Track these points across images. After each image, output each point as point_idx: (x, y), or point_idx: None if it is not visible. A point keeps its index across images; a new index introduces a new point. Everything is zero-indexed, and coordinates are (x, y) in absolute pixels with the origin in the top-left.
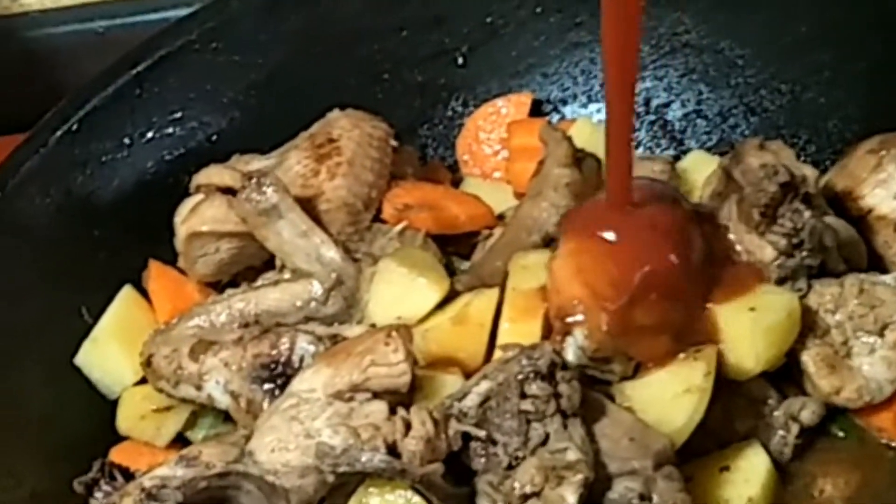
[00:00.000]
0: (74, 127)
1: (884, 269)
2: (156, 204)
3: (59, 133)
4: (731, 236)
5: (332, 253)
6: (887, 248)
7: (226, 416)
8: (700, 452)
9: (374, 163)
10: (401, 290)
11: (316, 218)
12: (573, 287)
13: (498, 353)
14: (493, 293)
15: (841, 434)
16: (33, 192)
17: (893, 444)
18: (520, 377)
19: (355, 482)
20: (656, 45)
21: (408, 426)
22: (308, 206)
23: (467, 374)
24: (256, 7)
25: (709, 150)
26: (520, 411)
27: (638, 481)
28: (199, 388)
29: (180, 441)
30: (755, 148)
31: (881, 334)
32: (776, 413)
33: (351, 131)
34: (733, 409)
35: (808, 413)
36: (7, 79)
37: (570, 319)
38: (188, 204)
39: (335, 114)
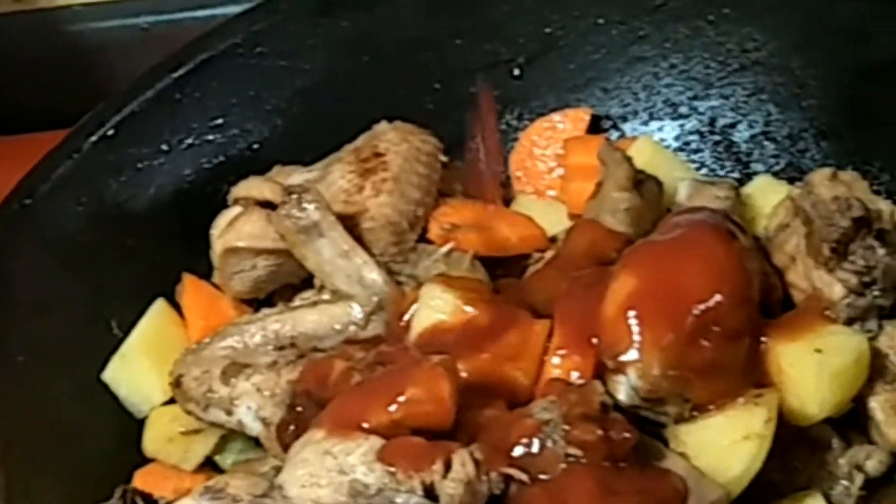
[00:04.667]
0: (111, 132)
1: None
2: (193, 214)
3: (94, 138)
4: (797, 271)
5: (374, 275)
6: None
7: (256, 442)
8: (757, 503)
9: (422, 179)
10: (447, 318)
11: (358, 237)
12: (626, 323)
13: (544, 390)
14: (545, 324)
15: None
16: (65, 199)
17: None
18: (567, 418)
19: None
20: (723, 61)
21: (447, 466)
22: (350, 223)
23: (511, 409)
24: (306, 11)
25: (776, 174)
26: (567, 455)
27: None
28: (229, 412)
29: (208, 464)
30: (827, 178)
31: None
32: (840, 461)
33: (398, 145)
34: (794, 457)
35: (875, 462)
36: (49, 74)
37: (622, 357)
38: (226, 217)
39: (382, 126)
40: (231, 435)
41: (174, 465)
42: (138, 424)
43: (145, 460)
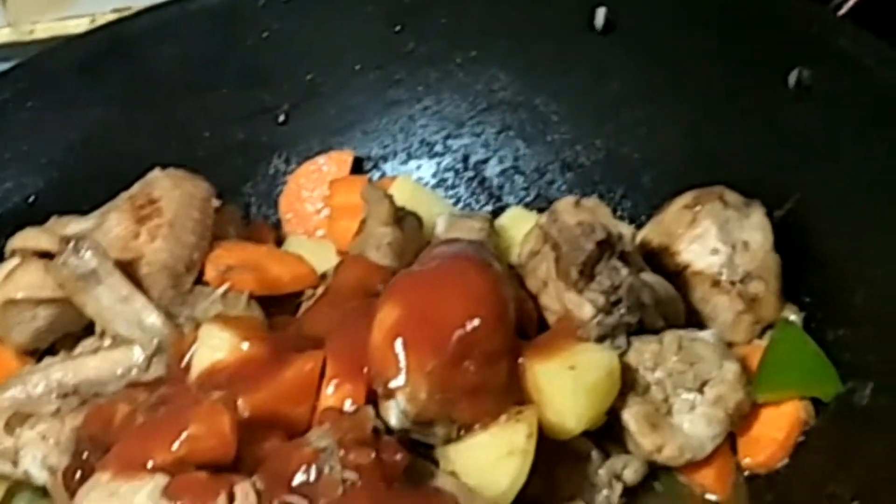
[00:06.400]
0: None
1: (701, 325)
2: None
3: None
4: (549, 294)
5: (153, 318)
6: (704, 303)
7: (44, 491)
8: None
9: (196, 224)
10: (224, 356)
11: (136, 282)
12: (393, 351)
13: (320, 419)
14: (318, 354)
15: (664, 491)
16: None
17: (716, 500)
18: (342, 444)
19: None
20: (473, 101)
21: (231, 499)
22: (128, 269)
23: (290, 439)
24: (72, 66)
25: (527, 205)
26: (343, 479)
27: None
28: (15, 463)
29: None
30: (571, 206)
31: (701, 391)
32: (599, 472)
33: (172, 191)
34: (556, 470)
35: (631, 471)
36: None
37: (391, 384)
38: (3, 269)
39: (156, 173)
40: (17, 487)
41: None
42: None
43: None
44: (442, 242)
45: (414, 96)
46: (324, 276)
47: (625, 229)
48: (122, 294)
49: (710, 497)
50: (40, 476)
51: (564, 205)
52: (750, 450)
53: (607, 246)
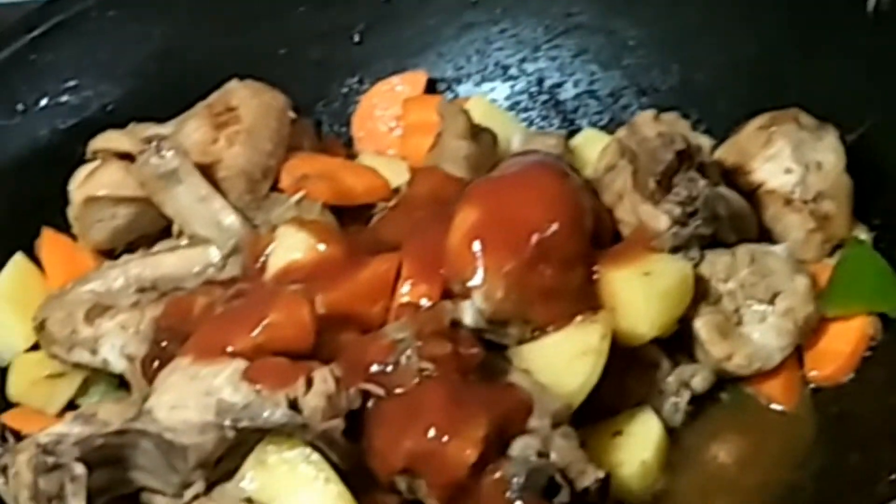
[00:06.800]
0: None
1: (773, 243)
2: (49, 174)
3: None
4: (625, 207)
5: (230, 219)
6: (776, 221)
7: (120, 383)
8: (594, 419)
9: (273, 132)
10: (301, 256)
11: (214, 186)
12: (470, 252)
13: (396, 314)
14: (394, 256)
15: (731, 401)
16: None
17: (782, 410)
18: (419, 335)
19: (253, 441)
20: (550, 24)
21: (309, 383)
22: (207, 173)
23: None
24: None
25: (601, 129)
26: (420, 370)
27: (536, 439)
28: (94, 352)
29: (72, 409)
30: (651, 119)
31: (772, 303)
32: (668, 380)
33: (250, 100)
34: (627, 377)
35: (700, 379)
36: None
37: (468, 283)
38: (85, 170)
39: (234, 83)
40: (94, 377)
41: (39, 409)
42: (1, 373)
43: (10, 406)
44: (519, 153)
45: (490, 19)
46: (396, 191)
47: (703, 141)
48: (201, 194)
49: (776, 408)
50: (118, 364)
51: (644, 118)
52: (817, 363)
53: (686, 156)
